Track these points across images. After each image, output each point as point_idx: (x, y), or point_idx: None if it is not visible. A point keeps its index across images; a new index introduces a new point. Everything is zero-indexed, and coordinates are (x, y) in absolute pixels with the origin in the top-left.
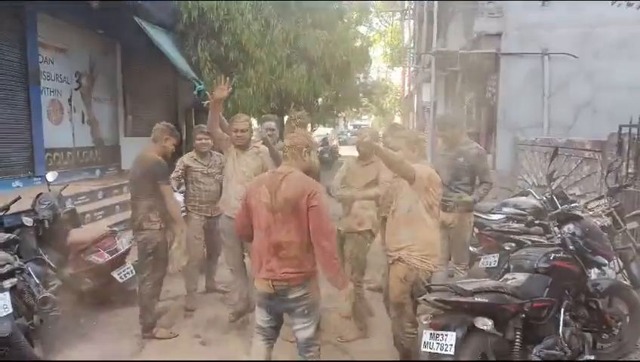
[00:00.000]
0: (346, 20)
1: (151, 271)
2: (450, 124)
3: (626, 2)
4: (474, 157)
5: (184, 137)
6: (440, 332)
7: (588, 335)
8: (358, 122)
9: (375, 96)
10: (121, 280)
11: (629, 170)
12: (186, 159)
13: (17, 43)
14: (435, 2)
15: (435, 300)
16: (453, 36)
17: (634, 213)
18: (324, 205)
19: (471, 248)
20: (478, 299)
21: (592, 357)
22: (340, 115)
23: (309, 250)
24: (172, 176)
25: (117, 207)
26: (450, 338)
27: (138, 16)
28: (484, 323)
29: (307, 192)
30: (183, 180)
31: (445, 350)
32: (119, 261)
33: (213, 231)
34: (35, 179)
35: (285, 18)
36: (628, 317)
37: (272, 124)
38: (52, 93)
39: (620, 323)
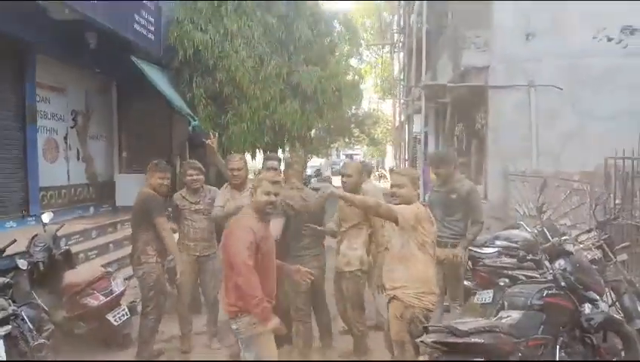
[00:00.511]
0: (337, 54)
1: (154, 304)
2: (445, 162)
3: (606, 37)
4: (466, 194)
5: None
6: None
7: None
8: (350, 152)
9: (367, 126)
10: (116, 323)
11: (616, 202)
12: (176, 197)
13: (16, 83)
14: (424, 37)
15: (432, 342)
16: (442, 69)
17: (623, 244)
18: (232, 242)
19: (465, 282)
20: (474, 339)
21: None
22: (332, 145)
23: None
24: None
25: (111, 245)
26: None
27: (134, 55)
28: None
29: (226, 231)
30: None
31: None
32: (114, 303)
33: (206, 272)
34: (29, 218)
35: (278, 55)
36: (623, 352)
37: (275, 163)
38: (48, 132)
39: (615, 358)
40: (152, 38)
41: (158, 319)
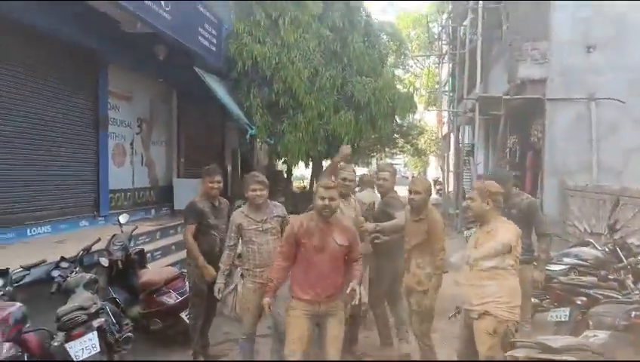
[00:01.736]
0: (387, 65)
1: (192, 304)
2: (502, 180)
3: None
4: (527, 208)
5: (228, 178)
6: None
7: None
8: (390, 161)
9: (411, 137)
10: (188, 321)
11: None
12: (237, 217)
13: (90, 91)
14: (479, 47)
15: (524, 357)
16: (494, 81)
17: None
18: None
19: (532, 299)
20: (565, 357)
21: None
22: (373, 154)
23: None
24: (227, 244)
25: (173, 246)
26: None
27: (196, 65)
28: None
29: None
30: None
31: None
32: (188, 302)
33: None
34: (100, 218)
35: (333, 66)
36: None
37: (386, 175)
38: (117, 138)
39: None
40: (214, 49)
41: (197, 317)
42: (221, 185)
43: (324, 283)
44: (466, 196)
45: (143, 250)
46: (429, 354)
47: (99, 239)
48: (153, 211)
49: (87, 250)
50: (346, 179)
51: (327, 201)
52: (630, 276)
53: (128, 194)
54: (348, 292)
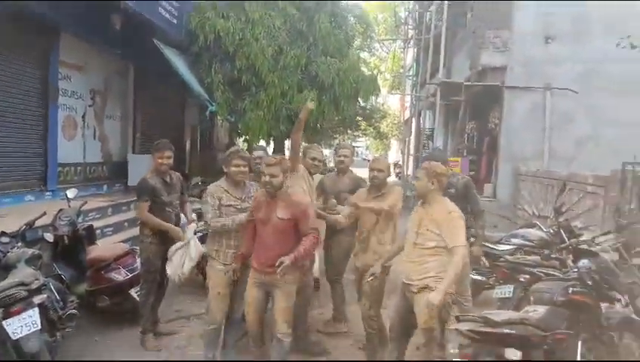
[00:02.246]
0: (353, 47)
1: (144, 280)
2: (437, 160)
3: (630, 44)
4: (462, 187)
5: (187, 155)
6: None
7: None
8: (353, 144)
9: (374, 120)
10: (138, 298)
11: (632, 206)
12: (215, 190)
13: (40, 60)
14: (443, 33)
15: (467, 330)
16: (457, 67)
17: (639, 249)
18: None
19: (478, 277)
20: (506, 330)
21: None
22: (336, 136)
23: None
24: (210, 217)
25: (125, 223)
26: None
27: (155, 38)
28: (514, 354)
29: None
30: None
31: None
32: (138, 279)
33: (241, 283)
34: (47, 193)
35: (298, 45)
36: (637, 351)
37: (347, 151)
38: (68, 110)
39: (631, 358)
40: (175, 22)
41: (148, 294)
42: (171, 160)
43: (267, 254)
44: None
45: (92, 225)
46: (378, 338)
47: (44, 213)
48: (105, 187)
49: (30, 225)
50: (315, 158)
51: (267, 178)
52: (571, 256)
53: (79, 168)
54: (277, 264)
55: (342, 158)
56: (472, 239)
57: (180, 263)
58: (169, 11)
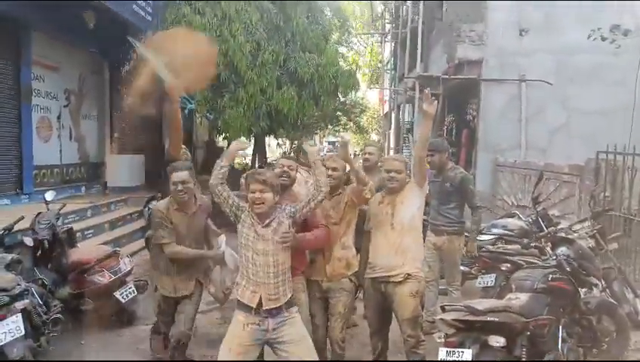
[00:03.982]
0: (330, 41)
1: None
2: (438, 150)
3: (600, 36)
4: (460, 182)
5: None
6: (456, 350)
7: (580, 350)
8: (333, 139)
9: (354, 114)
10: (123, 301)
11: (606, 194)
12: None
13: (12, 60)
14: (419, 28)
15: (453, 319)
16: (434, 60)
17: (614, 235)
18: None
19: (462, 267)
20: (490, 318)
21: None
22: (316, 131)
23: None
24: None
25: (106, 225)
26: (467, 354)
27: (130, 35)
28: (497, 341)
29: None
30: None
31: None
32: (122, 281)
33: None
34: (23, 196)
35: (276, 41)
36: (615, 333)
37: (373, 149)
38: (42, 110)
39: (607, 339)
40: (150, 19)
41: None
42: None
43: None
44: (391, 169)
45: (71, 228)
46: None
47: (22, 217)
48: (84, 188)
49: (8, 229)
50: (337, 169)
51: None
52: (549, 244)
53: (56, 170)
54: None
55: (367, 156)
56: (466, 235)
57: (221, 279)
58: (143, 8)
